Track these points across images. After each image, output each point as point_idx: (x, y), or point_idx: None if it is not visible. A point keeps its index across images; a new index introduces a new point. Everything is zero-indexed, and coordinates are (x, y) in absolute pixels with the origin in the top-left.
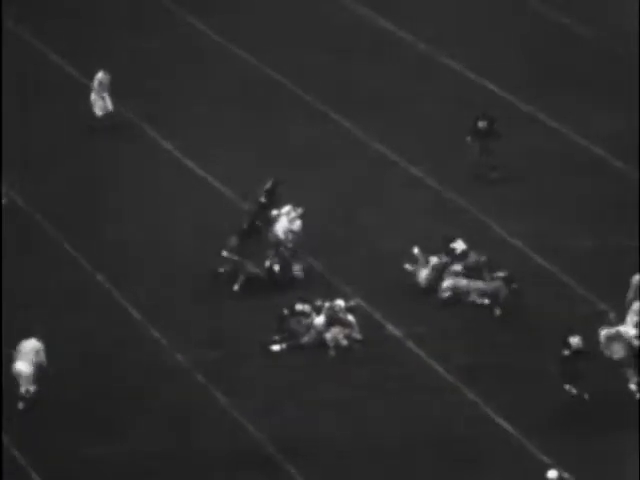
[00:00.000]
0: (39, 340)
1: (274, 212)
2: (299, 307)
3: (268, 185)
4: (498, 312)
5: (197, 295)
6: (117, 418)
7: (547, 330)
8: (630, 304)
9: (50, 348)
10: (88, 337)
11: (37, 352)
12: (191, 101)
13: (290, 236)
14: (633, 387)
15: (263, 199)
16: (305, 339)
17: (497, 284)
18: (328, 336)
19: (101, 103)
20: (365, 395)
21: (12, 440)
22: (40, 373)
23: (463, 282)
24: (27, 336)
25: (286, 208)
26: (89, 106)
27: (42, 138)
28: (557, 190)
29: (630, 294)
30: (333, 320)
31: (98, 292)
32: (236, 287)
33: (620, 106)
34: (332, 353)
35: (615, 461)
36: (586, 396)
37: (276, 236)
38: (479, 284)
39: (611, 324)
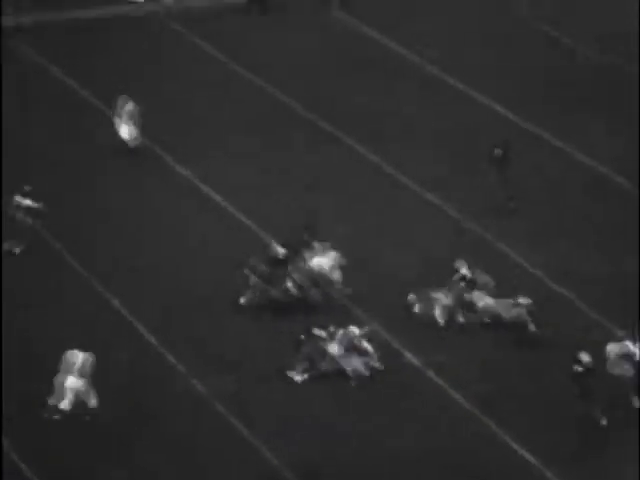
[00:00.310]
0: (84, 352)
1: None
2: (316, 332)
3: (307, 222)
4: (533, 328)
5: (213, 320)
6: (131, 443)
7: (565, 357)
8: None
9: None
10: (103, 363)
11: (84, 364)
12: (208, 128)
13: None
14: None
15: (305, 236)
16: (323, 366)
17: (519, 310)
18: (347, 364)
19: (126, 128)
20: (384, 422)
21: (22, 459)
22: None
23: (491, 302)
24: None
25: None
26: (108, 133)
27: (61, 164)
28: (569, 214)
29: None
30: (350, 347)
31: (114, 318)
32: (242, 300)
33: (627, 127)
34: (353, 384)
35: None
36: (604, 422)
37: (316, 271)
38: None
39: (619, 341)
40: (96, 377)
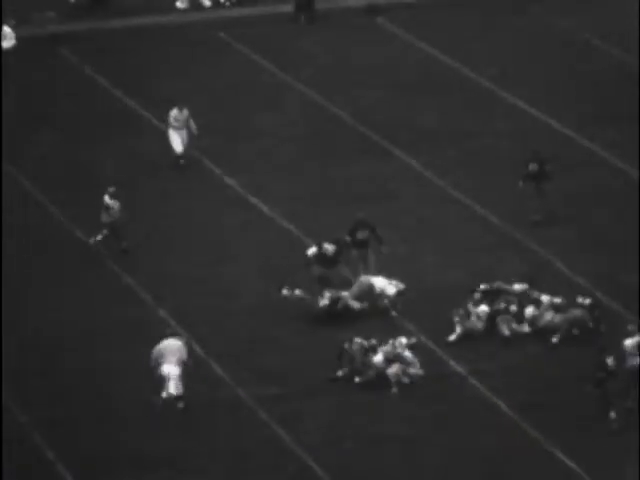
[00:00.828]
0: (180, 339)
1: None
2: (358, 342)
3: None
4: (555, 340)
5: (259, 330)
6: (178, 453)
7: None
8: None
9: (112, 380)
10: (149, 371)
11: (181, 351)
12: (254, 137)
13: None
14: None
15: (348, 237)
16: (366, 376)
17: (579, 312)
18: (390, 372)
19: (176, 139)
20: (427, 432)
21: (64, 464)
22: (186, 372)
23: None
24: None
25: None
26: (155, 142)
27: (107, 174)
28: (618, 226)
29: None
30: (393, 357)
31: (160, 326)
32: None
33: None
34: (394, 390)
35: None
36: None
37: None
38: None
39: (631, 335)
40: (140, 387)
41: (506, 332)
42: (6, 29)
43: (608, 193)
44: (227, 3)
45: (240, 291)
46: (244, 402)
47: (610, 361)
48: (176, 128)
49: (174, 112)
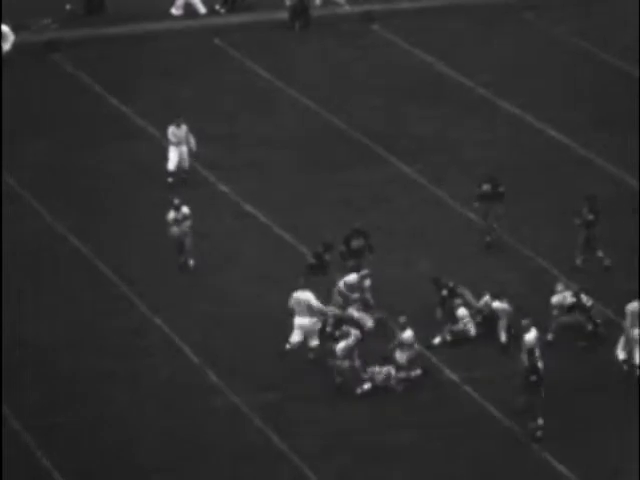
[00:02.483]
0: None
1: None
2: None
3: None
4: (590, 328)
5: (255, 338)
6: (173, 460)
7: (614, 373)
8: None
9: (105, 389)
10: (144, 378)
11: (308, 300)
12: (250, 144)
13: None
14: None
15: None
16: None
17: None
18: (379, 377)
19: (173, 156)
20: (423, 440)
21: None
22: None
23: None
24: None
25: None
26: (151, 150)
27: (102, 181)
28: (616, 233)
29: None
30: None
31: (156, 334)
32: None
33: None
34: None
35: None
36: None
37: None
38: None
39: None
40: (133, 393)
41: (503, 338)
42: (5, 29)
43: (605, 200)
44: (222, 10)
45: (236, 298)
46: (239, 409)
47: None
48: (174, 144)
49: (172, 128)
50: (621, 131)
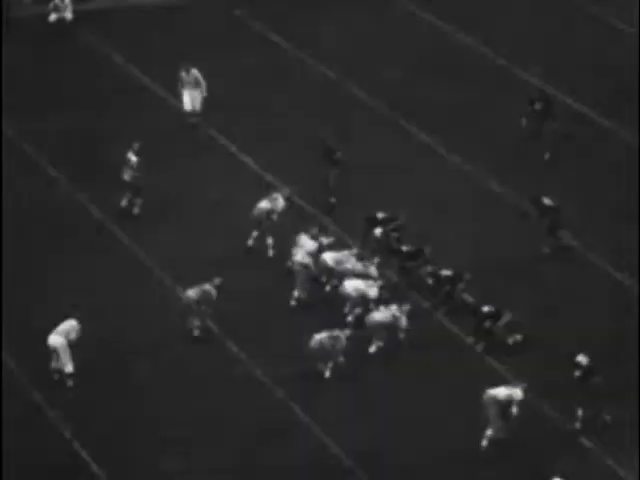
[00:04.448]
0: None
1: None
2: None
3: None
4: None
5: (276, 310)
6: (196, 433)
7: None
8: None
9: (129, 361)
10: (164, 349)
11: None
12: (271, 115)
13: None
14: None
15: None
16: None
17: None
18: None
19: (186, 99)
20: (444, 410)
21: (90, 453)
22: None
23: None
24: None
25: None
26: (169, 118)
27: (123, 150)
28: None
29: None
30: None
31: (175, 307)
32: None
33: None
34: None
35: None
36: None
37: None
38: None
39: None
40: (154, 364)
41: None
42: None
43: (624, 170)
44: None
45: (255, 271)
46: (261, 381)
47: (582, 359)
48: (186, 88)
49: (182, 74)
50: None
